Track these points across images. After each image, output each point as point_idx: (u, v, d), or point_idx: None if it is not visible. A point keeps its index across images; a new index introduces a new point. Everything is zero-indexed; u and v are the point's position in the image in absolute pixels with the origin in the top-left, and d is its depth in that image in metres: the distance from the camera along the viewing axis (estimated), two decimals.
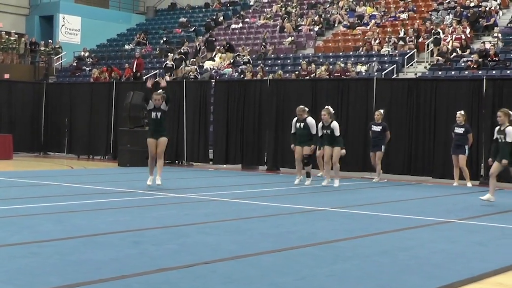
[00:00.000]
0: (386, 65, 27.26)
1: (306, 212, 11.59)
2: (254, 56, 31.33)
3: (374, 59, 28.06)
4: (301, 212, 11.51)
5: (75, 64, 36.60)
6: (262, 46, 31.85)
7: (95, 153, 25.86)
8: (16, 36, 37.00)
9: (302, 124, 16.39)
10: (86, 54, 37.29)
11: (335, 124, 16.19)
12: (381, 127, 18.01)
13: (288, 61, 30.59)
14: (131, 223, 9.72)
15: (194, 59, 31.94)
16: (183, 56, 32.16)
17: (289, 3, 38.14)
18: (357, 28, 32.19)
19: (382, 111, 18.23)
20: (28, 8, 41.48)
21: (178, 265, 6.86)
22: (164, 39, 37.29)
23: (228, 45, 32.79)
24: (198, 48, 33.80)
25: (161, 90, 15.25)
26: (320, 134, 16.34)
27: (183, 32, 38.24)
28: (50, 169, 20.85)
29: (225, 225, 9.78)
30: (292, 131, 16.72)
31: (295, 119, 16.62)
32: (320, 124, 16.30)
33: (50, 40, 38.20)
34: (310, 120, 16.39)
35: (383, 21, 32.52)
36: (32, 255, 7.15)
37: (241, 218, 10.59)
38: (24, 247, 7.63)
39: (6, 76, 32.04)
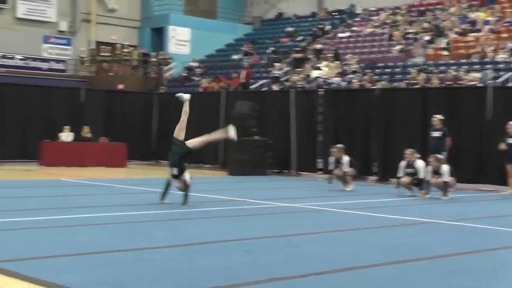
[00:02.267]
0: (502, 73, 26.46)
1: (417, 224, 11.35)
2: (362, 64, 31.06)
3: (488, 66, 27.29)
4: (411, 224, 11.28)
5: (184, 74, 37.24)
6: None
7: (205, 161, 26.19)
8: (131, 48, 38.04)
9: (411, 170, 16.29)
10: (195, 65, 37.89)
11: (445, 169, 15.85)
12: None
13: (397, 69, 30.16)
14: (242, 232, 9.77)
15: (301, 69, 31.95)
16: (302, 57, 32.32)
17: (398, 10, 37.64)
18: (469, 34, 31.42)
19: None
20: (140, 21, 42.53)
21: (290, 274, 6.83)
22: (271, 48, 37.47)
23: (335, 54, 32.67)
24: (319, 51, 33.63)
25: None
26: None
27: (290, 41, 38.33)
28: (161, 177, 21.21)
29: (334, 236, 9.70)
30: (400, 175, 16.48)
31: (404, 162, 16.41)
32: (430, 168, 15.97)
33: (160, 51, 39.05)
34: (421, 164, 16.22)
35: (498, 26, 31.64)
36: (145, 261, 7.26)
37: (350, 229, 10.46)
38: (138, 253, 7.77)
39: (120, 86, 32.95)
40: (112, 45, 38.85)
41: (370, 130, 21.64)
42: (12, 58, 35.38)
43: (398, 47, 32.00)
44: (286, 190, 17.54)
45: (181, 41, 41.41)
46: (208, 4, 44.91)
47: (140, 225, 10.09)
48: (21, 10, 37.38)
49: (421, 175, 16.04)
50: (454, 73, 26.09)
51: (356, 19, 39.30)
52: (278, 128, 23.78)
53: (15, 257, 7.22)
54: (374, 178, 21.50)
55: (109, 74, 36.88)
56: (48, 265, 6.95)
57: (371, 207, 13.41)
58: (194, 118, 26.23)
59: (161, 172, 23.23)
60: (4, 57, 35.07)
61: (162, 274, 6.71)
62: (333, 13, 41.41)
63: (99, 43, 39.25)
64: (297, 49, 34.50)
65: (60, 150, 23.81)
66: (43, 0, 37.97)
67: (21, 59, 35.70)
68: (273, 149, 22.95)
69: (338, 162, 17.21)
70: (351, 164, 17.15)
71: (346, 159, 17.05)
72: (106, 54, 37.50)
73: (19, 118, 24.90)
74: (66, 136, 24.30)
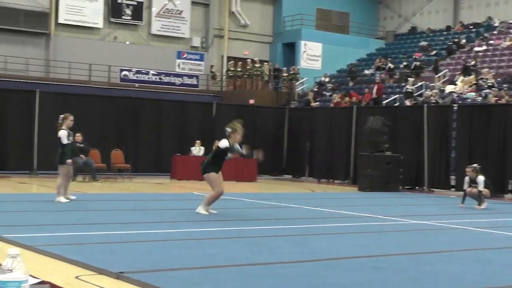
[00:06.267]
0: None
1: None
2: (499, 79, 30.15)
3: None
4: None
5: (315, 89, 37.29)
6: None
7: (335, 177, 26.10)
8: (262, 63, 38.42)
9: None
10: (327, 80, 37.88)
11: None
12: None
13: None
14: (372, 248, 9.65)
15: (434, 84, 31.35)
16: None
17: None
18: None
19: None
20: (272, 36, 43.00)
21: None
22: (404, 63, 36.98)
23: (464, 69, 31.82)
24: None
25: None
26: None
27: (424, 56, 37.70)
28: (291, 192, 21.32)
29: (468, 255, 9.43)
30: None
31: None
32: None
33: (292, 66, 39.25)
34: None
35: None
36: (276, 276, 7.29)
37: (484, 248, 10.13)
38: (268, 267, 7.80)
39: (251, 101, 33.34)
40: (244, 60, 39.45)
41: (507, 146, 20.88)
42: (147, 73, 36.57)
43: None
44: (417, 207, 17.23)
45: (312, 56, 41.55)
46: (340, 19, 44.87)
47: (270, 240, 10.13)
48: (156, 27, 38.68)
49: None
50: None
51: (493, 32, 38.21)
52: (411, 144, 23.36)
53: (146, 269, 7.38)
54: (510, 196, 20.77)
55: (241, 89, 37.42)
56: (179, 277, 7.09)
57: (506, 226, 12.94)
58: (325, 134, 26.32)
59: (290, 187, 23.35)
60: (139, 72, 36.30)
61: None
62: (469, 27, 40.44)
63: (231, 58, 39.93)
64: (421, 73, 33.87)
65: (191, 164, 24.22)
66: (177, 17, 39.11)
67: (154, 74, 36.85)
68: (405, 165, 22.56)
69: (472, 182, 16.80)
70: (485, 185, 16.70)
71: (481, 178, 16.61)
72: (238, 69, 38.04)
73: (153, 132, 25.53)
74: (197, 150, 24.75)
